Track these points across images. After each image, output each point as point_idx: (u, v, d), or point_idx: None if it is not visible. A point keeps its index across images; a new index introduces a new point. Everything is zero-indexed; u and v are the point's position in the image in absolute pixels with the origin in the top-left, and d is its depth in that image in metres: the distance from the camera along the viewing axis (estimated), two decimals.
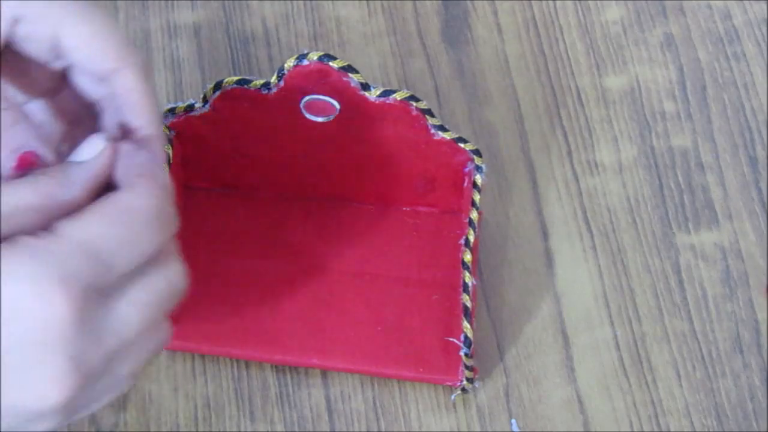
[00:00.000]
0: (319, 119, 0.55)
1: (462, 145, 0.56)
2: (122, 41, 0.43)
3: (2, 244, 0.37)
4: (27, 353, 0.36)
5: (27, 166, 0.41)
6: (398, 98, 0.53)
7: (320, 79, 0.53)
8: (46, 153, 0.41)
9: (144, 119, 0.43)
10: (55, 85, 0.45)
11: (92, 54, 0.43)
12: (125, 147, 0.42)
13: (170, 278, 0.41)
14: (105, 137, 0.42)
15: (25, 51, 0.43)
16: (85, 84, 0.44)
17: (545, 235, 0.63)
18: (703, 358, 0.60)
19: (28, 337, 0.36)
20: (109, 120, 0.44)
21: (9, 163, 0.41)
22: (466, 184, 0.59)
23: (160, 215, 0.41)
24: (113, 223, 0.39)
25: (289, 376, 0.59)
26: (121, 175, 0.42)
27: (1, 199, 0.37)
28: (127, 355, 0.39)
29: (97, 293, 0.38)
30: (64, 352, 0.37)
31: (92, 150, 0.41)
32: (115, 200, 0.40)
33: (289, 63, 0.52)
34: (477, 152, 0.57)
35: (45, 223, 0.38)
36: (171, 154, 0.58)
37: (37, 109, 0.45)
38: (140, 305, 0.39)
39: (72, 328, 0.36)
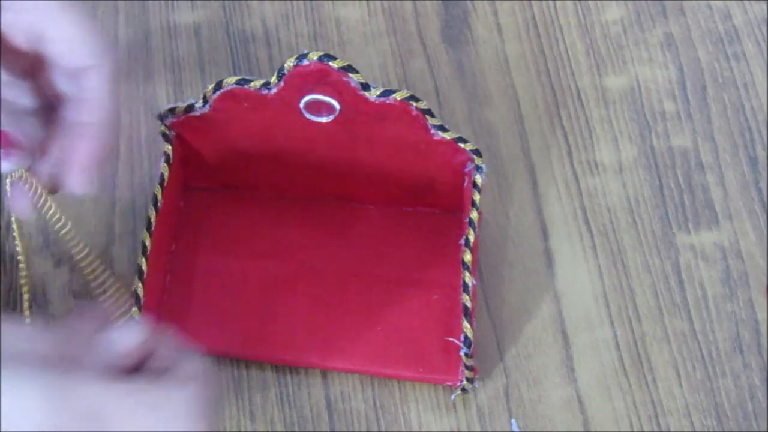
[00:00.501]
0: (319, 119, 0.55)
1: (462, 145, 0.56)
2: (98, 43, 0.45)
3: None
4: None
5: (6, 145, 0.44)
6: (398, 98, 0.53)
7: (320, 79, 0.53)
8: (22, 135, 0.44)
9: (97, 117, 0.46)
10: (32, 70, 0.47)
11: (69, 50, 0.45)
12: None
13: None
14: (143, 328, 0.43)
15: (7, 37, 0.45)
16: (58, 77, 0.46)
17: (545, 235, 0.63)
18: (703, 358, 0.60)
19: None
20: (69, 113, 0.46)
21: None
22: (466, 184, 0.59)
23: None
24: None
25: (289, 376, 0.59)
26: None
27: None
28: None
29: None
30: None
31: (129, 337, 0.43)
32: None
33: (289, 63, 0.52)
34: (477, 152, 0.57)
35: None
36: (171, 154, 0.58)
37: (17, 90, 0.46)
38: None
39: None
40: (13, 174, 0.45)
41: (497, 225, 0.63)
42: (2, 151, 0.44)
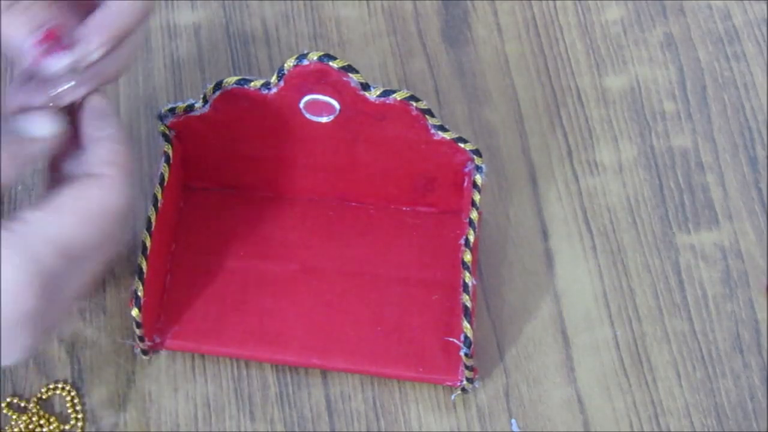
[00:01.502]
0: (319, 119, 0.55)
1: (462, 145, 0.56)
2: None
3: None
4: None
5: (52, 39, 0.43)
6: (398, 98, 0.53)
7: (320, 79, 0.53)
8: (65, 30, 0.44)
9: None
10: None
11: None
12: (95, 102, 0.46)
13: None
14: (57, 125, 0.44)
15: None
16: None
17: (545, 235, 0.63)
18: (703, 358, 0.60)
19: None
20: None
21: (34, 39, 0.44)
22: (466, 184, 0.59)
23: (127, 212, 0.44)
24: (84, 224, 0.42)
25: (289, 376, 0.59)
26: (88, 142, 0.45)
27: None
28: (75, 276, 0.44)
29: (57, 277, 0.42)
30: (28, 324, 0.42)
31: (42, 130, 0.44)
32: (88, 197, 0.43)
33: (289, 63, 0.52)
34: (477, 152, 0.57)
35: None
36: (171, 154, 0.58)
37: None
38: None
39: (32, 310, 0.41)
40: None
41: (497, 225, 0.63)
42: (49, 48, 0.44)
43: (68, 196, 0.43)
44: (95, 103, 0.46)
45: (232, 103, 0.55)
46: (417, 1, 0.70)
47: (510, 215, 0.64)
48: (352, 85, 0.53)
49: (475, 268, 0.58)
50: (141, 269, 0.55)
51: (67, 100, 0.46)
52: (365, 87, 0.53)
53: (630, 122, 0.66)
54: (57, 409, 0.58)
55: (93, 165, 0.44)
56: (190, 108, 0.56)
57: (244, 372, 0.59)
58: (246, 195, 0.63)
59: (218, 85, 0.55)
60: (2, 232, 0.41)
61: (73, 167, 0.46)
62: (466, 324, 0.55)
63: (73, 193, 0.43)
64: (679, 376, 0.60)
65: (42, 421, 0.57)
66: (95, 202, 0.43)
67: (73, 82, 0.46)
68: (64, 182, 0.44)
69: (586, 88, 0.67)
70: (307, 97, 0.54)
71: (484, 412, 0.59)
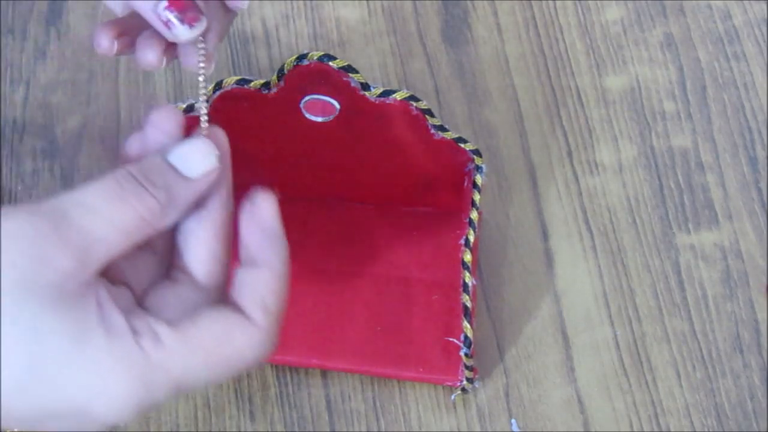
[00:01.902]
0: (319, 119, 0.55)
1: (462, 145, 0.56)
2: None
3: (106, 335, 0.36)
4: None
5: (183, 4, 0.41)
6: (398, 98, 0.53)
7: (320, 79, 0.53)
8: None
9: None
10: None
11: None
12: (267, 214, 0.41)
13: None
14: (217, 153, 0.40)
15: None
16: None
17: (545, 235, 0.63)
18: (703, 358, 0.60)
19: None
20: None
21: (167, 2, 0.41)
22: (466, 184, 0.59)
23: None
24: (216, 369, 0.38)
25: (289, 376, 0.59)
26: (245, 258, 0.40)
27: (102, 214, 0.36)
28: None
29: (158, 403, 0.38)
30: None
31: (203, 164, 0.40)
32: (231, 341, 0.38)
33: (289, 63, 0.52)
34: (477, 152, 0.57)
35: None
36: None
37: None
38: None
39: (116, 422, 0.37)
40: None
41: (497, 225, 0.63)
42: (188, 17, 0.41)
43: (210, 334, 0.37)
44: (267, 215, 0.41)
45: (232, 103, 0.55)
46: (417, 1, 0.70)
47: (510, 215, 0.64)
48: (352, 85, 0.53)
49: (475, 268, 0.58)
50: None
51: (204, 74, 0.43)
52: (365, 87, 0.53)
53: (630, 122, 0.66)
54: None
55: (246, 298, 0.39)
56: (190, 108, 0.56)
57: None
58: (246, 195, 0.63)
59: (218, 85, 0.55)
60: (131, 340, 0.36)
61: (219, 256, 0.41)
62: (466, 324, 0.55)
63: (217, 332, 0.37)
64: (679, 376, 0.60)
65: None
66: (237, 349, 0.38)
67: (203, 51, 0.43)
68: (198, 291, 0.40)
69: (586, 88, 0.67)
70: (307, 97, 0.54)
71: (484, 412, 0.59)
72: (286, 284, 0.40)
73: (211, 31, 0.43)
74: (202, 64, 0.43)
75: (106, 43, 0.44)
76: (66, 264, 0.35)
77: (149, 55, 0.44)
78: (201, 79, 0.43)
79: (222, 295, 0.40)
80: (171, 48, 0.44)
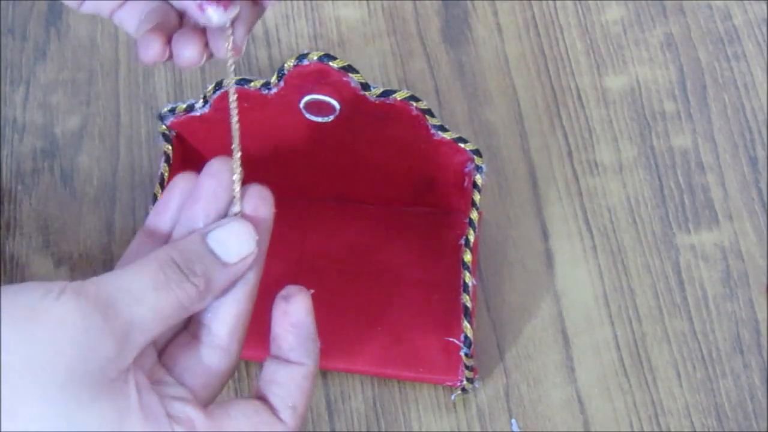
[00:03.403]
0: (319, 119, 0.55)
1: (462, 145, 0.56)
2: None
3: None
4: None
5: None
6: (398, 98, 0.53)
7: (320, 79, 0.53)
8: None
9: None
10: None
11: None
12: (302, 316, 0.40)
13: None
14: (256, 238, 0.40)
15: None
16: None
17: (545, 235, 0.63)
18: (703, 358, 0.60)
19: None
20: None
21: None
22: (466, 184, 0.59)
23: None
24: None
25: None
26: (277, 355, 0.41)
27: (146, 303, 0.37)
28: None
29: None
30: None
31: (241, 250, 0.40)
32: None
33: (289, 63, 0.52)
34: (477, 152, 0.57)
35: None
36: (171, 154, 0.58)
37: None
38: None
39: None
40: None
41: (497, 225, 0.63)
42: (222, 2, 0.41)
43: (241, 428, 0.38)
44: (301, 314, 0.41)
45: None
46: (417, 1, 0.70)
47: (510, 215, 0.64)
48: (352, 85, 0.53)
49: (475, 268, 0.58)
50: None
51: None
52: (365, 87, 0.53)
53: (630, 122, 0.66)
54: None
55: (276, 396, 0.40)
56: (190, 108, 0.56)
57: (244, 372, 0.59)
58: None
59: (218, 85, 0.55)
60: (167, 426, 0.37)
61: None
62: (466, 324, 0.55)
63: (248, 427, 0.38)
64: (679, 376, 0.60)
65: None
66: None
67: (231, 45, 0.42)
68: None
69: (586, 88, 0.67)
70: (307, 97, 0.54)
71: (484, 412, 0.59)
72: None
73: (240, 21, 0.43)
74: (230, 53, 0.42)
75: (157, 49, 0.43)
76: (110, 351, 0.35)
77: (187, 51, 0.43)
78: (231, 91, 0.43)
79: (235, 358, 0.41)
80: (205, 44, 0.44)
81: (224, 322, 0.40)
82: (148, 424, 0.36)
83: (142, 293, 0.37)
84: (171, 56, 0.43)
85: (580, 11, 0.70)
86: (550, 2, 0.70)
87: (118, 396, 0.35)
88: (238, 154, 0.43)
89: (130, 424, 0.36)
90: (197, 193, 0.41)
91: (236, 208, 0.41)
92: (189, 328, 0.41)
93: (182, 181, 0.42)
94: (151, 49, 0.43)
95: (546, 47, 0.69)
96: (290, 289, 0.41)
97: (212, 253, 0.39)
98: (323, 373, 0.59)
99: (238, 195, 0.41)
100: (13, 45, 0.69)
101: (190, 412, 0.37)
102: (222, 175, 0.41)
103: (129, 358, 0.36)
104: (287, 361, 0.40)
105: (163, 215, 0.42)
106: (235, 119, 0.43)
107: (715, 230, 0.63)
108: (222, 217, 0.41)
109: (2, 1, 0.71)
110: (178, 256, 0.38)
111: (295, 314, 0.40)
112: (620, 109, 0.67)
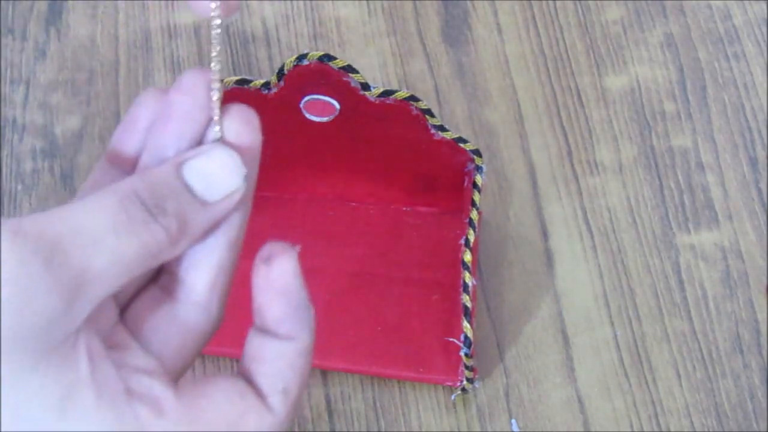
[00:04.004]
0: (319, 119, 0.55)
1: (462, 145, 0.56)
2: None
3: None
4: None
5: None
6: (398, 98, 0.53)
7: (320, 79, 0.53)
8: None
9: None
10: None
11: None
12: (291, 280, 0.33)
13: None
14: (243, 170, 0.33)
15: None
16: None
17: (545, 235, 0.63)
18: (703, 358, 0.60)
19: None
20: None
21: None
22: (466, 184, 0.59)
23: None
24: None
25: None
26: (266, 326, 0.33)
27: (102, 247, 0.29)
28: None
29: None
30: None
31: (225, 185, 0.32)
32: (244, 426, 0.32)
33: (289, 63, 0.52)
34: (477, 152, 0.57)
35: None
36: None
37: None
38: None
39: None
40: None
41: (497, 225, 0.63)
42: None
43: (221, 415, 0.31)
44: (287, 277, 0.34)
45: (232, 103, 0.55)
46: (417, 1, 0.70)
47: (510, 215, 0.64)
48: (352, 85, 0.53)
49: (475, 268, 0.58)
50: None
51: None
52: (365, 87, 0.53)
53: (630, 122, 0.66)
54: None
55: (264, 376, 0.33)
56: None
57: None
58: None
59: None
60: (125, 405, 0.30)
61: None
62: (466, 324, 0.55)
63: (229, 413, 0.31)
64: (679, 376, 0.60)
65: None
66: None
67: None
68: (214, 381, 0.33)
69: (586, 88, 0.67)
70: (307, 97, 0.54)
71: (484, 412, 0.59)
72: (311, 359, 0.33)
73: None
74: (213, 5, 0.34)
75: None
76: (55, 308, 0.28)
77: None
78: (215, 25, 0.35)
79: (216, 319, 0.34)
80: None
81: (202, 273, 0.33)
82: (101, 403, 0.29)
83: (99, 235, 0.29)
84: None
85: (580, 11, 0.70)
86: (550, 2, 0.70)
87: (64, 365, 0.29)
88: (217, 67, 0.34)
89: (78, 403, 0.29)
90: (167, 113, 0.33)
91: (215, 133, 0.33)
92: (159, 281, 0.34)
93: (152, 97, 0.34)
94: None
95: (546, 47, 0.69)
96: (271, 248, 0.34)
97: (189, 188, 0.32)
98: (323, 373, 0.59)
99: (217, 116, 0.34)
100: (13, 45, 0.69)
101: (156, 388, 0.31)
102: (197, 91, 0.33)
103: (79, 317, 0.29)
104: (277, 336, 0.33)
105: (129, 136, 0.34)
106: (216, 23, 0.34)
107: (715, 230, 0.63)
108: (198, 144, 0.33)
109: (2, 1, 0.71)
110: (145, 190, 0.31)
111: (279, 278, 0.33)
112: (620, 109, 0.67)
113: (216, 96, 0.34)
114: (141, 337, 0.32)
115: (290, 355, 0.33)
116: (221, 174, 0.32)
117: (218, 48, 0.34)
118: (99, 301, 0.30)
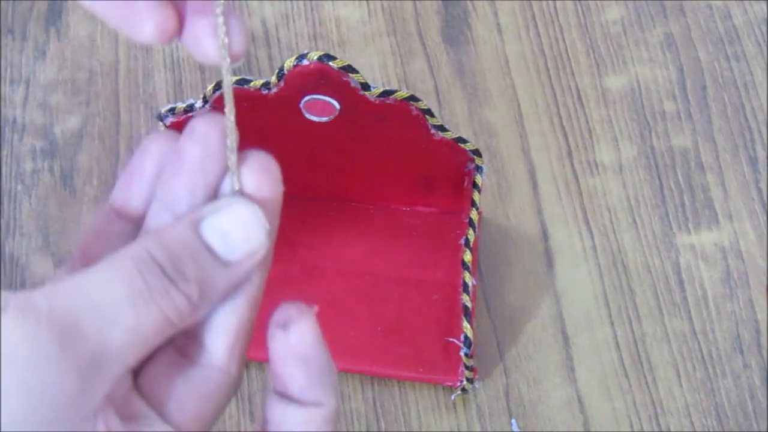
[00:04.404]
0: (319, 119, 0.55)
1: (462, 145, 0.56)
2: None
3: None
4: None
5: None
6: (398, 98, 0.53)
7: (320, 79, 0.52)
8: None
9: None
10: None
11: None
12: (316, 349, 0.31)
13: None
14: (266, 227, 0.30)
15: None
16: None
17: (545, 235, 0.63)
18: (703, 358, 0.60)
19: None
20: None
21: None
22: (466, 184, 0.59)
23: None
24: None
25: None
26: (287, 393, 0.31)
27: (121, 323, 0.27)
28: None
29: None
30: None
31: (247, 244, 0.30)
32: None
33: (289, 63, 0.52)
34: (477, 152, 0.57)
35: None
36: None
37: None
38: None
39: None
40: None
41: (497, 225, 0.63)
42: None
43: None
44: (309, 347, 0.31)
45: None
46: (417, 1, 0.70)
47: (510, 215, 0.64)
48: (352, 85, 0.53)
49: (475, 268, 0.58)
50: None
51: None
52: (365, 87, 0.53)
53: (630, 122, 0.66)
54: None
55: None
56: (190, 108, 0.56)
57: (244, 372, 0.59)
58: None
59: (218, 85, 0.55)
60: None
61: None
62: (466, 324, 0.55)
63: None
64: (679, 376, 0.60)
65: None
66: None
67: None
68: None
69: (586, 88, 0.67)
70: (307, 97, 0.54)
71: (484, 412, 0.59)
72: (337, 424, 0.31)
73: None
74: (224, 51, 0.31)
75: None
76: (72, 390, 0.26)
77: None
78: (226, 70, 0.31)
79: (236, 381, 0.32)
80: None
81: (222, 335, 0.31)
82: None
83: (116, 309, 0.27)
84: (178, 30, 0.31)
85: (580, 11, 0.70)
86: (550, 2, 0.70)
87: None
88: (232, 114, 0.32)
89: None
90: (178, 163, 0.31)
91: (232, 184, 0.31)
92: (175, 342, 0.31)
93: (157, 145, 0.32)
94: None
95: (546, 47, 0.69)
96: (287, 311, 0.31)
97: (209, 248, 0.29)
98: None
99: (234, 166, 0.31)
100: (13, 45, 0.69)
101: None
102: (211, 140, 0.31)
103: (97, 397, 0.27)
104: (302, 403, 0.31)
105: (135, 187, 0.32)
106: (226, 65, 0.31)
107: (715, 230, 0.63)
108: (213, 196, 0.31)
109: (2, 1, 0.70)
110: (163, 254, 0.28)
111: (299, 345, 0.31)
112: (620, 109, 0.67)
113: (232, 143, 0.31)
114: (157, 403, 0.30)
115: (318, 422, 0.31)
116: (243, 231, 0.30)
117: (231, 95, 0.32)
118: (118, 378, 0.28)
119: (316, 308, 0.32)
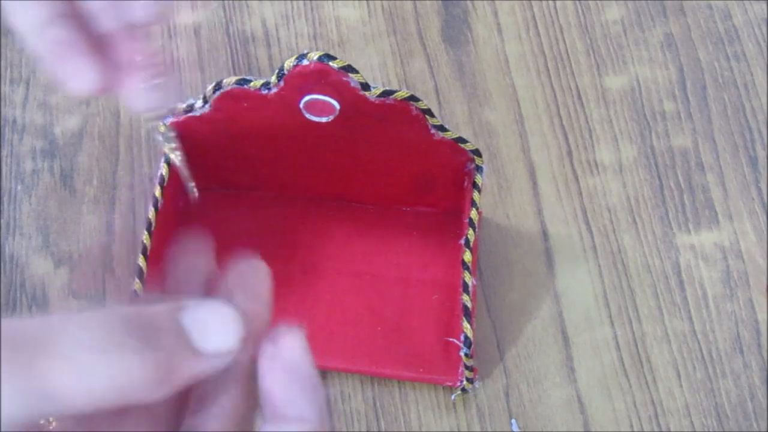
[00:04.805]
0: (319, 119, 0.55)
1: (462, 145, 0.56)
2: None
3: None
4: None
5: None
6: (398, 98, 0.53)
7: (320, 79, 0.52)
8: None
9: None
10: None
11: None
12: (299, 356, 0.32)
13: None
14: (240, 334, 0.30)
15: None
16: None
17: (545, 235, 0.63)
18: (703, 358, 0.60)
19: None
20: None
21: None
22: (466, 184, 0.59)
23: None
24: None
25: None
26: (274, 410, 0.31)
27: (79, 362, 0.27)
28: None
29: None
30: None
31: (219, 340, 0.30)
32: None
33: (289, 63, 0.52)
34: (477, 152, 0.57)
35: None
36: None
37: None
38: None
39: None
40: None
41: (497, 225, 0.63)
42: None
43: None
44: (295, 356, 0.32)
45: (232, 103, 0.55)
46: (417, 1, 0.70)
47: (510, 215, 0.64)
48: (352, 85, 0.53)
49: (475, 268, 0.58)
50: (141, 269, 0.55)
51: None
52: (365, 87, 0.53)
53: (630, 122, 0.66)
54: None
55: None
56: (190, 108, 0.56)
57: None
58: (246, 195, 0.63)
59: (218, 85, 0.54)
60: None
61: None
62: (466, 324, 0.55)
63: None
64: (679, 376, 0.60)
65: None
66: None
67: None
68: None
69: (586, 88, 0.67)
70: (307, 97, 0.54)
71: (484, 412, 0.59)
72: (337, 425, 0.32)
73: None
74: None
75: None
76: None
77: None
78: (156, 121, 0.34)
79: None
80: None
81: (218, 422, 0.31)
82: None
83: (79, 347, 0.27)
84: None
85: (580, 11, 0.70)
86: (550, 2, 0.70)
87: None
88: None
89: None
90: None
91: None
92: None
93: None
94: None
95: (546, 47, 0.69)
96: (279, 329, 0.32)
97: (186, 331, 0.29)
98: (323, 373, 0.59)
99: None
100: (13, 45, 0.69)
101: None
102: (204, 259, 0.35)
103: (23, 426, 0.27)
104: (286, 419, 0.30)
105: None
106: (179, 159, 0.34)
107: (715, 230, 0.63)
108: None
109: (2, 1, 0.70)
110: (146, 320, 0.29)
111: (288, 358, 0.31)
112: (620, 108, 0.67)
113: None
114: None
115: None
116: (220, 328, 0.30)
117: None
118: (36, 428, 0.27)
119: (305, 330, 0.32)
